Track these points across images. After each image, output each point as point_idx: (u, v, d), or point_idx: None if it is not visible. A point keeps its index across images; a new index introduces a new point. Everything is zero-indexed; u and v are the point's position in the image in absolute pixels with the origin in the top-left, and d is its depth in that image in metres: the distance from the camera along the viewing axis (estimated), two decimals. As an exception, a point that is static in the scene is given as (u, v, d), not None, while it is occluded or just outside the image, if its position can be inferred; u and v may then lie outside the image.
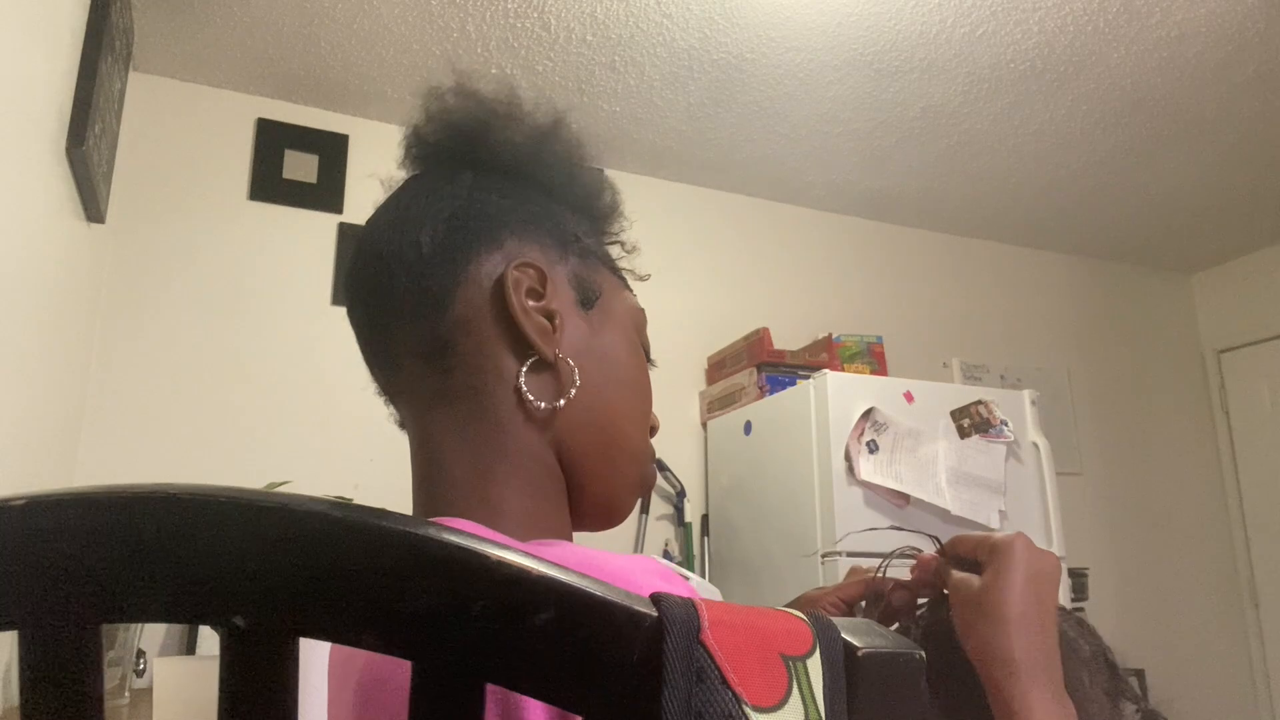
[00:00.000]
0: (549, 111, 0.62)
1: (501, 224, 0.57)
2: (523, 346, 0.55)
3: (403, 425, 0.60)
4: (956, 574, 0.62)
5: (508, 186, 0.60)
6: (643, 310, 0.65)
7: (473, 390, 0.55)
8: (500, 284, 0.55)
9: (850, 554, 2.20)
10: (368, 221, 0.61)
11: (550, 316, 0.56)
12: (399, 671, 0.46)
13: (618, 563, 0.44)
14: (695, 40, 2.40)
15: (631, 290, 0.65)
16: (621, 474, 0.59)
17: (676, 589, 0.42)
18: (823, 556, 2.25)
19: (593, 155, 0.65)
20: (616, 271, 0.64)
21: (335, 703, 0.53)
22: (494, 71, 2.52)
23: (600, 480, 0.58)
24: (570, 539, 0.57)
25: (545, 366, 0.55)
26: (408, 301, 0.56)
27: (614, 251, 0.66)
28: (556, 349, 0.55)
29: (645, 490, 0.63)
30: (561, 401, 0.55)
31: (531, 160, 0.61)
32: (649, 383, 0.63)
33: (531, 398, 0.54)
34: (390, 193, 0.62)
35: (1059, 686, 0.57)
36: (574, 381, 0.56)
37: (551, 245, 0.58)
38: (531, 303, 0.55)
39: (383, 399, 0.62)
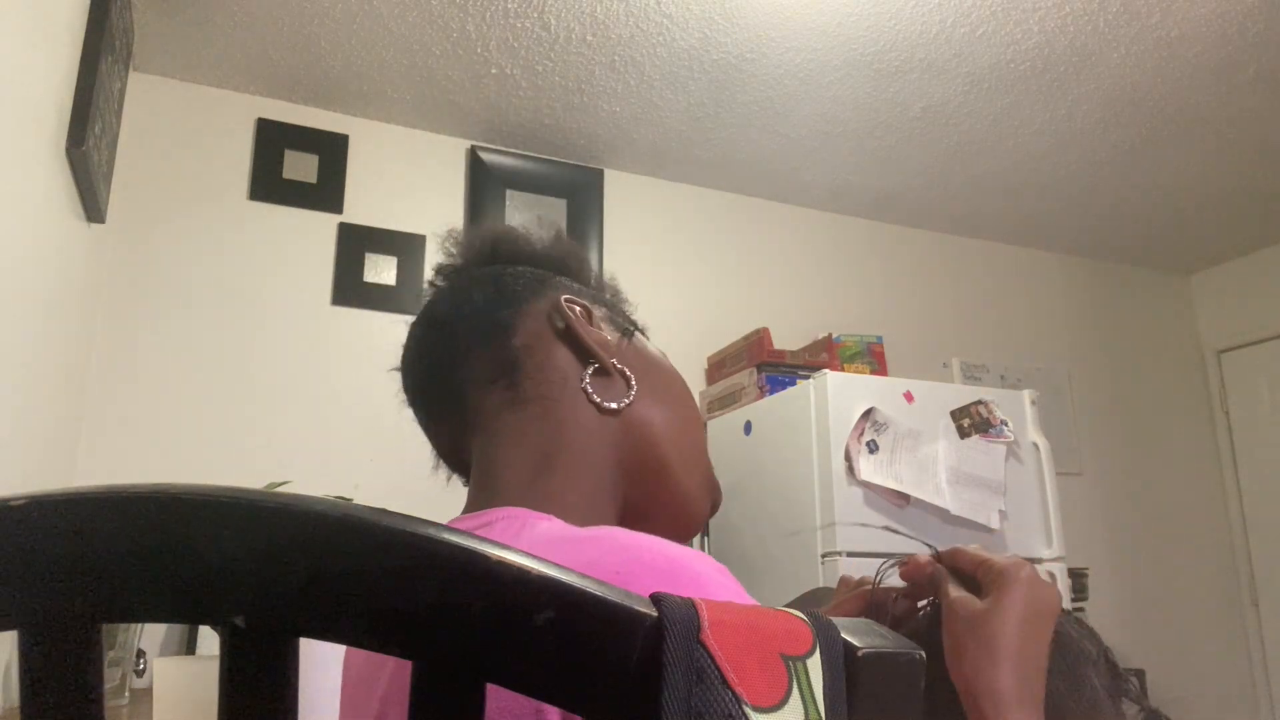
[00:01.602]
0: (544, 224, 0.73)
1: (541, 282, 0.65)
2: (583, 356, 0.61)
3: (450, 467, 0.67)
4: (954, 591, 0.60)
5: (536, 265, 0.69)
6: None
7: (540, 396, 0.60)
8: (556, 309, 0.62)
9: (850, 554, 2.20)
10: (423, 310, 0.69)
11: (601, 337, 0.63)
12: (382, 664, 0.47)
13: (677, 551, 0.45)
14: (695, 40, 2.40)
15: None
16: (688, 473, 0.63)
17: (729, 585, 0.44)
18: (823, 556, 2.25)
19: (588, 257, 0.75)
20: (637, 328, 0.71)
21: (356, 707, 0.53)
22: (494, 72, 2.53)
23: (668, 480, 0.61)
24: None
25: (604, 374, 0.62)
26: (474, 338, 0.63)
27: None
28: (614, 358, 0.62)
29: (715, 502, 0.66)
30: (625, 401, 0.61)
31: (548, 249, 0.70)
32: (699, 418, 0.69)
33: (598, 398, 0.60)
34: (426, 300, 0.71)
35: None
36: (631, 385, 0.62)
37: (586, 296, 0.66)
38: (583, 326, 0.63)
39: (441, 465, 0.69)
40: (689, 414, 0.66)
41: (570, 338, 0.61)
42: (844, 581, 0.72)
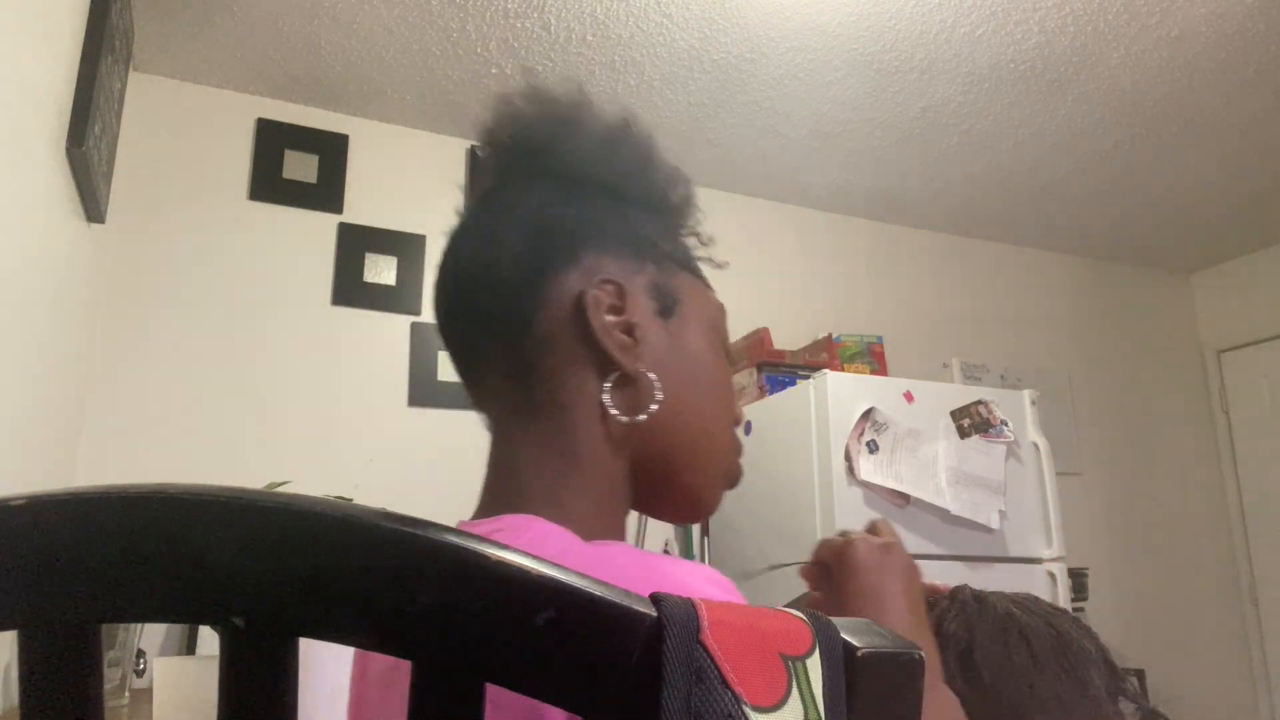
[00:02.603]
0: (617, 112, 0.63)
1: (578, 240, 0.58)
2: (605, 362, 0.56)
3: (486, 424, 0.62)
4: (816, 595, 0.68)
5: (580, 196, 0.60)
6: (722, 306, 0.66)
7: (555, 405, 0.57)
8: (580, 303, 0.56)
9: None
10: (449, 240, 0.63)
11: (630, 330, 0.57)
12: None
13: (675, 569, 0.45)
14: (696, 40, 2.40)
15: (709, 286, 0.66)
16: (706, 473, 0.61)
17: (731, 596, 0.43)
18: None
19: (664, 150, 0.65)
20: (694, 270, 0.64)
21: (379, 709, 0.53)
22: (494, 72, 2.52)
23: (684, 481, 0.60)
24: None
25: (627, 381, 0.57)
26: (492, 325, 0.58)
27: (691, 244, 0.66)
28: (638, 363, 0.57)
29: (733, 483, 0.65)
30: (643, 416, 0.56)
31: (602, 166, 0.61)
32: (730, 380, 0.64)
33: (615, 413, 0.56)
34: (466, 207, 0.64)
35: (935, 671, 0.60)
36: (655, 396, 0.57)
37: (628, 256, 0.59)
38: (611, 318, 0.56)
39: (472, 403, 0.64)
40: (718, 407, 0.62)
41: (592, 339, 0.56)
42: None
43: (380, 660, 0.53)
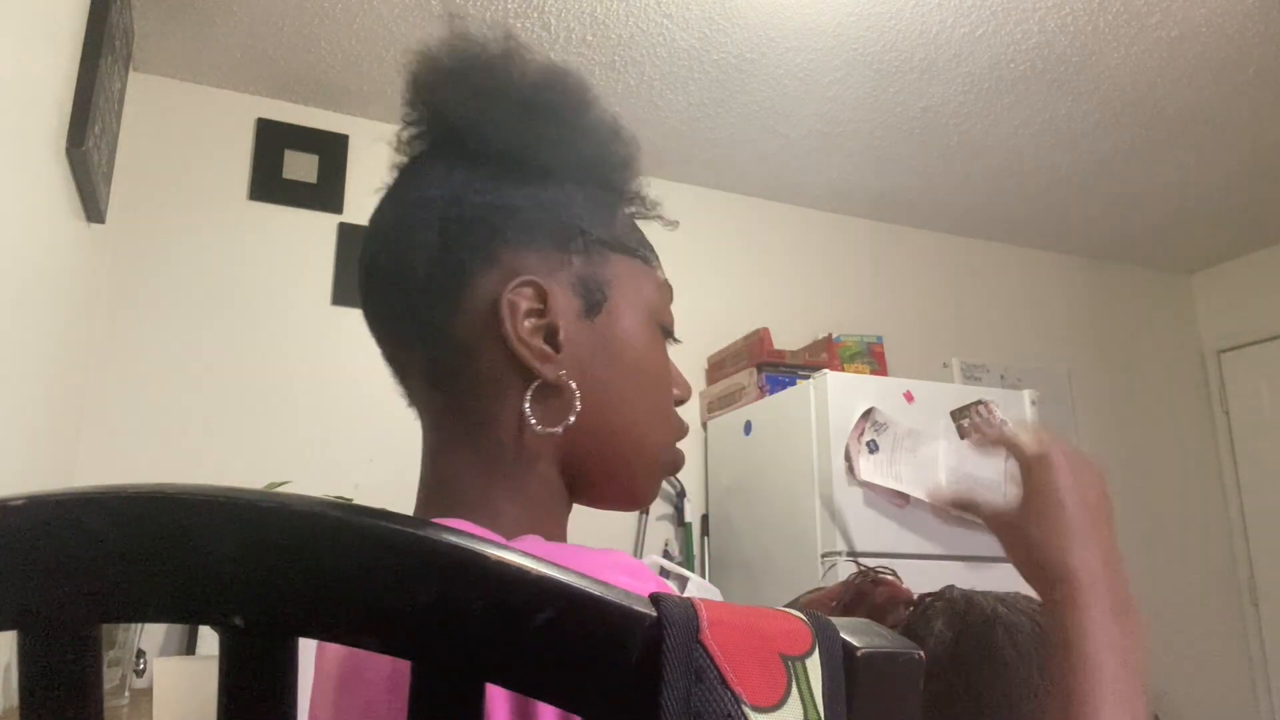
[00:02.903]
0: (544, 66, 0.58)
1: (496, 234, 0.55)
2: (525, 370, 0.54)
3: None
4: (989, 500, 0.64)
5: (500, 177, 0.56)
6: (664, 283, 0.63)
7: (477, 412, 0.55)
8: (496, 308, 0.53)
9: (850, 554, 2.20)
10: (369, 225, 0.60)
11: (553, 334, 0.55)
12: (375, 663, 0.47)
13: (586, 557, 0.44)
14: (696, 40, 2.40)
15: (651, 262, 0.62)
16: (641, 467, 0.59)
17: (645, 585, 0.42)
18: (823, 556, 2.25)
19: (598, 102, 0.60)
20: (630, 249, 0.60)
21: (318, 694, 0.53)
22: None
23: (619, 478, 0.59)
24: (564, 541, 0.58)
25: (550, 388, 0.54)
26: (410, 331, 0.56)
27: (633, 209, 0.63)
28: (559, 370, 0.54)
29: (674, 471, 0.62)
30: (568, 420, 0.54)
31: (525, 138, 0.56)
32: (666, 366, 0.61)
33: (535, 422, 0.54)
34: (387, 184, 0.61)
35: (1123, 601, 0.58)
36: (574, 406, 0.54)
37: (551, 249, 0.56)
38: (531, 322, 0.54)
39: (400, 392, 0.62)
40: (653, 399, 0.59)
41: (509, 348, 0.53)
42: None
43: (333, 658, 0.52)
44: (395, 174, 0.61)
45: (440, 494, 0.56)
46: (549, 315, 0.54)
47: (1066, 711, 0.54)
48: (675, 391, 0.62)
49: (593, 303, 0.57)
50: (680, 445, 0.63)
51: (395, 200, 0.59)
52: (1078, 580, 0.58)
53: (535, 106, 0.58)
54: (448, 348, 0.55)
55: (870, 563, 0.77)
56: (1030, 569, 0.61)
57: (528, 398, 0.54)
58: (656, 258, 0.63)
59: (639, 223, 0.65)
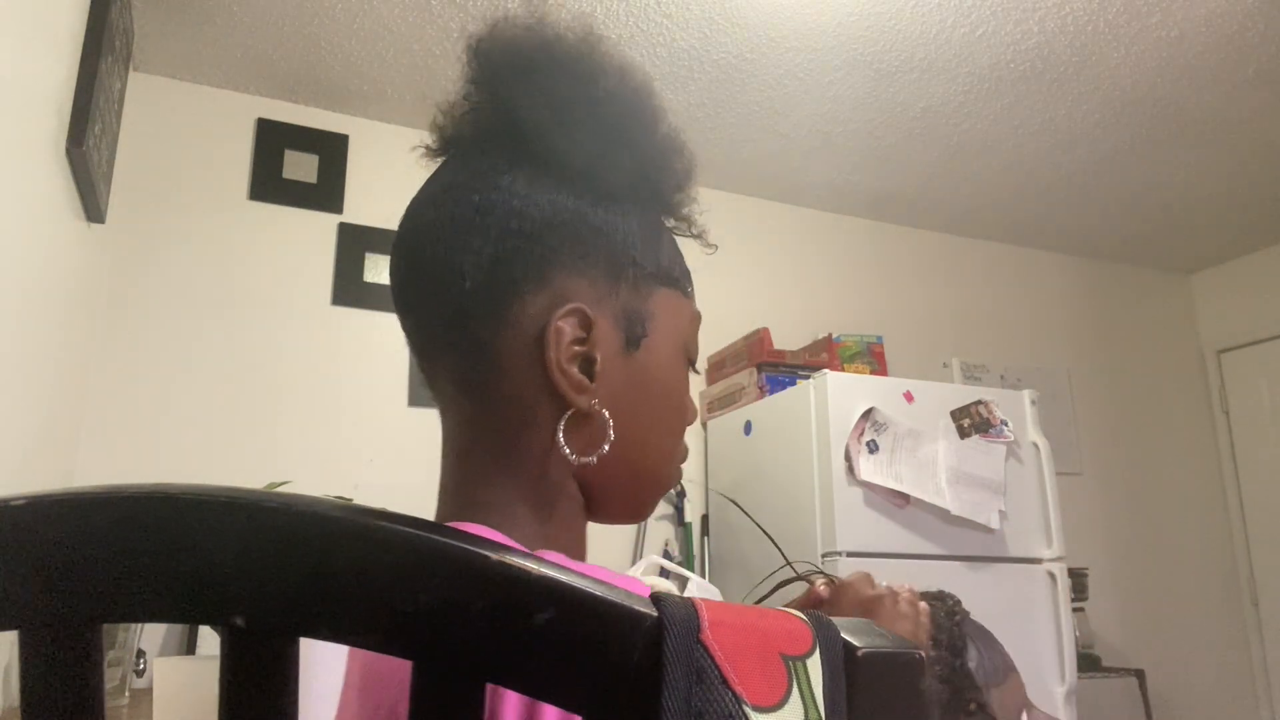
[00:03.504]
0: (618, 74, 0.56)
1: (549, 255, 0.54)
2: (559, 397, 0.54)
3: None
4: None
5: (559, 190, 0.55)
6: (697, 314, 0.63)
7: (507, 428, 0.55)
8: (543, 334, 0.53)
9: (850, 554, 2.20)
10: (414, 207, 0.58)
11: (590, 364, 0.54)
12: (392, 666, 0.47)
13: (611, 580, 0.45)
14: (696, 40, 2.40)
15: (690, 294, 0.62)
16: (649, 492, 0.61)
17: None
18: (823, 556, 2.25)
19: (665, 115, 0.58)
20: (674, 281, 0.60)
21: (344, 699, 0.53)
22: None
23: (628, 500, 0.60)
24: (583, 556, 0.59)
25: (582, 416, 0.55)
26: (449, 335, 0.55)
27: (680, 229, 0.63)
28: (594, 400, 0.54)
29: (671, 488, 0.64)
30: (600, 452, 0.55)
31: (589, 153, 0.55)
32: (687, 395, 0.62)
33: (567, 450, 0.54)
34: (433, 177, 0.59)
35: None
36: (608, 436, 0.55)
37: (602, 277, 0.55)
38: (573, 350, 0.54)
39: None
40: (673, 433, 0.61)
41: (548, 374, 0.53)
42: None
43: (361, 665, 0.52)
44: (449, 159, 0.60)
45: (464, 499, 0.56)
46: (590, 345, 0.54)
47: None
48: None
49: (633, 337, 0.57)
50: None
51: (450, 194, 0.56)
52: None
53: (610, 122, 0.56)
54: (485, 362, 0.54)
55: (868, 563, 0.78)
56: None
57: (561, 426, 0.54)
58: (692, 285, 0.63)
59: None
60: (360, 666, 0.50)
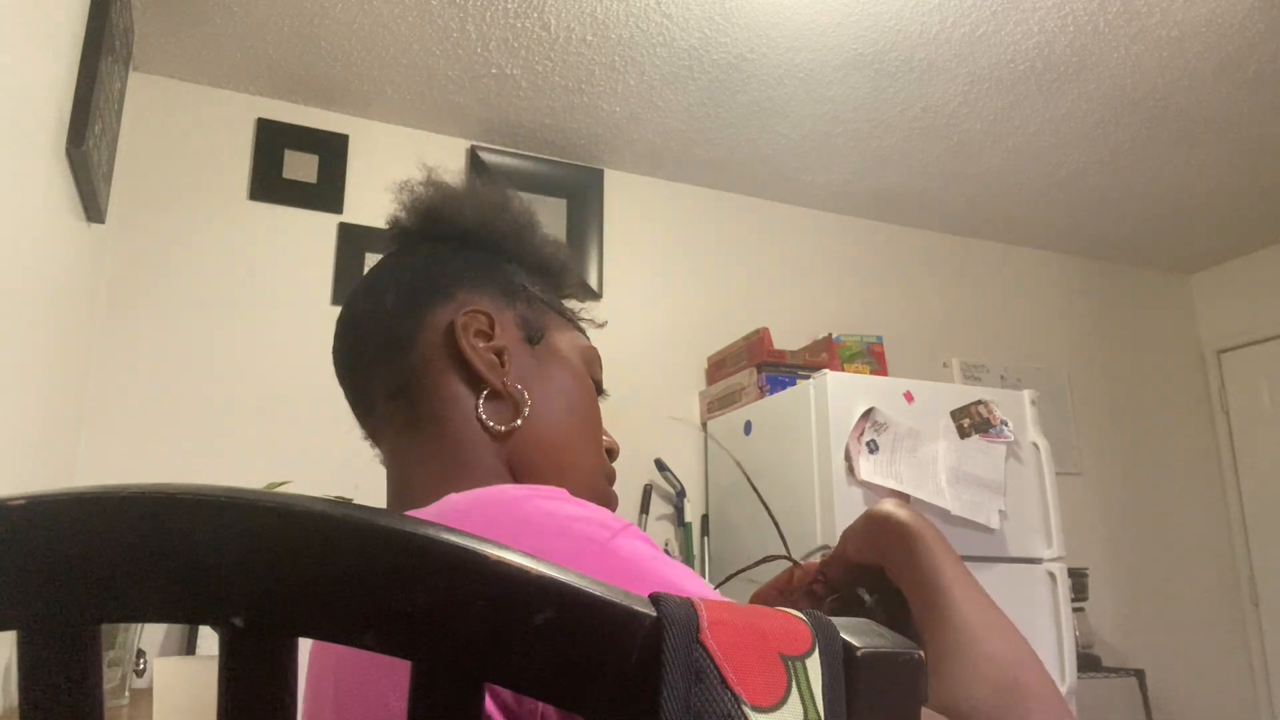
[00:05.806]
0: (498, 192, 0.72)
1: (453, 280, 0.66)
2: (476, 379, 0.63)
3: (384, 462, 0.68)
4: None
5: (460, 252, 0.68)
6: (594, 349, 0.72)
7: (435, 417, 0.63)
8: (451, 327, 0.63)
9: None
10: (347, 298, 0.70)
11: (499, 353, 0.64)
12: (387, 674, 0.47)
13: (570, 510, 0.49)
14: (695, 40, 2.40)
15: (582, 331, 0.73)
16: (571, 481, 0.64)
17: (564, 507, 0.48)
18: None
19: (545, 226, 0.73)
20: (566, 314, 0.71)
21: (312, 689, 0.54)
22: (494, 72, 2.53)
23: (563, 483, 0.62)
24: None
25: (498, 395, 0.63)
26: (377, 349, 0.65)
27: (572, 305, 0.74)
28: (505, 379, 0.63)
29: (607, 506, 0.67)
30: (517, 422, 0.63)
31: (481, 229, 0.69)
32: (598, 411, 0.70)
33: (491, 422, 0.62)
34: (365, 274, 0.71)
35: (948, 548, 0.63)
36: (525, 403, 0.63)
37: (499, 294, 0.67)
38: (480, 343, 0.63)
39: (369, 443, 0.70)
40: (583, 430, 0.67)
41: (463, 360, 0.62)
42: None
43: (333, 656, 0.53)
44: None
45: (400, 493, 0.62)
46: (495, 339, 0.64)
47: (954, 638, 0.56)
48: (605, 438, 0.71)
49: (533, 336, 0.67)
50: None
51: (373, 271, 0.70)
52: (911, 528, 0.64)
53: (492, 209, 0.71)
54: (408, 359, 0.64)
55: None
56: (868, 541, 0.68)
57: (480, 402, 0.62)
58: (585, 333, 0.74)
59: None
60: (338, 662, 0.50)
